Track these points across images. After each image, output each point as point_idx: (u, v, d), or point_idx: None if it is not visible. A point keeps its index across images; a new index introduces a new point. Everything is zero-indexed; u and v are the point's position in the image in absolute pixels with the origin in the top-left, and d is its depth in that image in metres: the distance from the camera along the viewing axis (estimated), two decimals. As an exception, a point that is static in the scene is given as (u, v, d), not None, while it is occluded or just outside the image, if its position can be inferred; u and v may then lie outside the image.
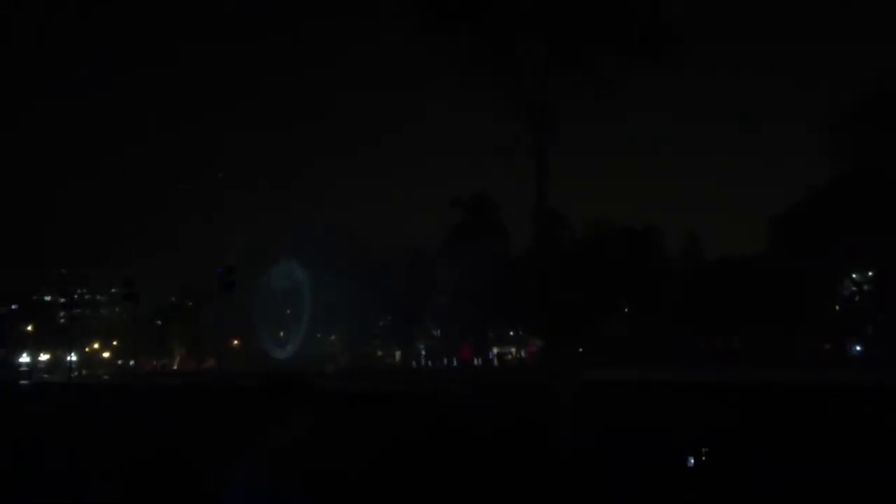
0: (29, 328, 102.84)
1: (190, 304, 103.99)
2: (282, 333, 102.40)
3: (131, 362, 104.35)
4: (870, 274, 60.25)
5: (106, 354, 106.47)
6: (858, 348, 62.35)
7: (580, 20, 22.98)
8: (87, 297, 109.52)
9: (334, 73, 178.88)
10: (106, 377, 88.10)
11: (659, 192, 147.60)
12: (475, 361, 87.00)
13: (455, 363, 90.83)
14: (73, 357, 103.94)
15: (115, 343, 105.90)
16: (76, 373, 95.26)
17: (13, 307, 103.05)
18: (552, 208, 29.35)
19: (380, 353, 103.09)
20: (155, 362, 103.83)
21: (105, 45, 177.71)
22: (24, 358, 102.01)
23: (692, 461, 10.12)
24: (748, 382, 27.06)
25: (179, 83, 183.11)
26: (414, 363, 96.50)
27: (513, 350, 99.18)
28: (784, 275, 56.65)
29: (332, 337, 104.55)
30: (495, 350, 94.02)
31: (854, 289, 61.91)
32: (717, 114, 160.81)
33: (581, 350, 62.04)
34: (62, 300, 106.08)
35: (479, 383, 37.63)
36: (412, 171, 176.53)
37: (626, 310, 69.56)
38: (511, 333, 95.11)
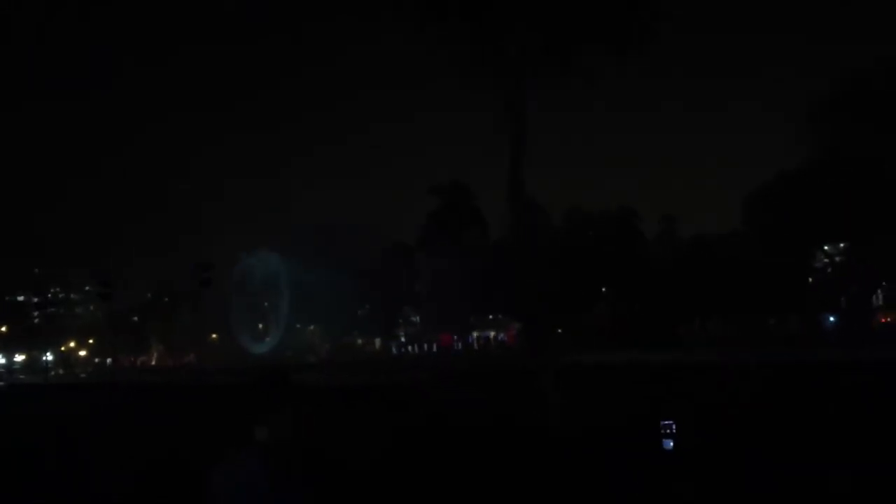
0: (2, 329, 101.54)
1: (166, 300, 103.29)
2: (260, 326, 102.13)
3: (108, 360, 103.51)
4: (841, 245, 61.12)
5: (82, 353, 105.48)
6: (832, 319, 63.35)
7: (558, 9, 23.03)
8: (61, 295, 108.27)
9: (309, 65, 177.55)
10: (83, 376, 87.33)
11: (632, 175, 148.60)
12: (456, 346, 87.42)
13: (435, 349, 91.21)
14: (49, 357, 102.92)
15: (91, 341, 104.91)
16: (53, 372, 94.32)
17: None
18: (530, 194, 29.51)
19: (360, 341, 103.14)
20: (133, 359, 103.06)
21: (101, 45, 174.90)
22: (0, 359, 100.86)
23: (671, 444, 10.01)
24: (727, 363, 27.42)
25: (169, 82, 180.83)
26: (394, 350, 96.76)
27: (492, 334, 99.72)
28: (757, 251, 57.37)
29: (312, 327, 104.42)
30: (475, 334, 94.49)
31: (826, 260, 62.78)
32: (689, 93, 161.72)
33: (560, 333, 62.57)
34: (35, 300, 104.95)
35: (461, 371, 37.77)
36: (390, 162, 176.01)
37: (602, 290, 70.03)
38: (490, 317, 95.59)
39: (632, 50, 23.74)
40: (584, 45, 22.86)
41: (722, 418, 13.49)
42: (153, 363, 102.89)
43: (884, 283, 63.23)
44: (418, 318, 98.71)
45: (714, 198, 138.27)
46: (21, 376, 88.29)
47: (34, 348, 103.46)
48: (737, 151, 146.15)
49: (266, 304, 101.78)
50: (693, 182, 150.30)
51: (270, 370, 4.73)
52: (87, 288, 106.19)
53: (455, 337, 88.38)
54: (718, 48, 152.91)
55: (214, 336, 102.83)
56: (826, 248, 61.91)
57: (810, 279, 63.18)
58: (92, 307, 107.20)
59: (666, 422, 9.91)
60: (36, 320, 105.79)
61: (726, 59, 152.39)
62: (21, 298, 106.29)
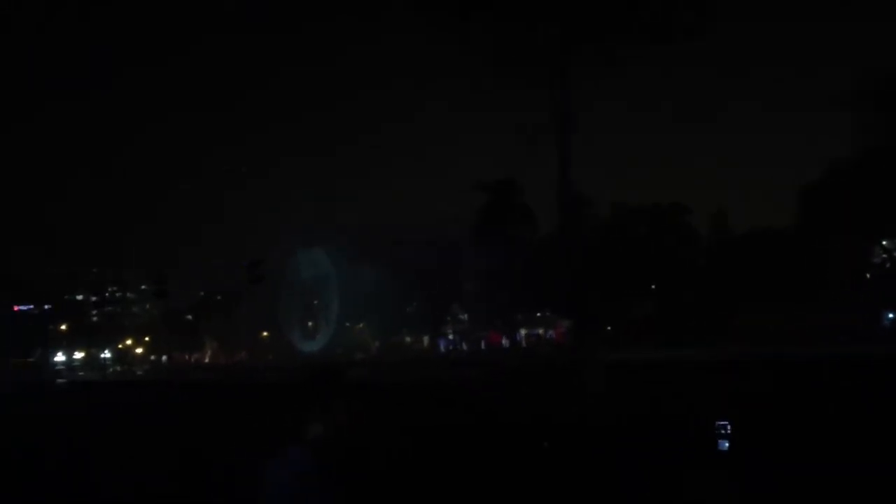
0: (63, 327, 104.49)
1: (219, 297, 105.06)
2: (310, 324, 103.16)
3: (164, 358, 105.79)
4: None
5: (139, 350, 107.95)
6: (891, 316, 61.59)
7: (600, 2, 22.85)
8: (118, 294, 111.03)
9: (349, 61, 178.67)
10: (139, 373, 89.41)
11: (686, 171, 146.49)
12: (503, 343, 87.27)
13: (483, 346, 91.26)
14: (107, 354, 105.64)
15: (147, 339, 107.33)
16: (111, 369, 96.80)
17: (46, 307, 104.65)
18: (577, 190, 29.29)
19: (408, 339, 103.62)
20: (187, 357, 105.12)
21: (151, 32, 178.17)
22: (60, 357, 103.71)
23: (726, 445, 9.73)
24: (784, 358, 26.84)
25: (193, 78, 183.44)
26: (441, 348, 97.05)
27: (540, 331, 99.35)
28: (813, 245, 56.13)
29: (361, 325, 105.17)
30: (523, 332, 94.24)
31: (885, 256, 61.24)
32: (739, 90, 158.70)
33: (609, 329, 61.99)
34: (94, 299, 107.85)
35: (509, 369, 37.73)
36: (435, 156, 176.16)
37: (652, 287, 69.18)
38: (538, 315, 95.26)
39: (676, 41, 23.40)
40: (627, 35, 22.66)
41: (781, 417, 13.14)
42: (206, 360, 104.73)
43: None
44: (466, 315, 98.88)
45: (766, 193, 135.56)
46: (80, 373, 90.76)
47: (93, 346, 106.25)
48: (789, 145, 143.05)
49: (315, 302, 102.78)
50: (745, 177, 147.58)
51: (323, 368, 4.80)
52: (142, 287, 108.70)
53: (504, 335, 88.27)
54: (765, 39, 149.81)
55: (265, 334, 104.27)
56: (884, 242, 60.37)
57: (868, 275, 61.63)
58: (148, 306, 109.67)
59: (721, 422, 9.61)
60: (94, 319, 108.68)
61: (773, 50, 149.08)
62: (80, 298, 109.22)
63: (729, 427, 9.53)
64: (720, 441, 9.57)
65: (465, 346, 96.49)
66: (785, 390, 17.23)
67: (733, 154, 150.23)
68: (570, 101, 23.53)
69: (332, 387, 4.88)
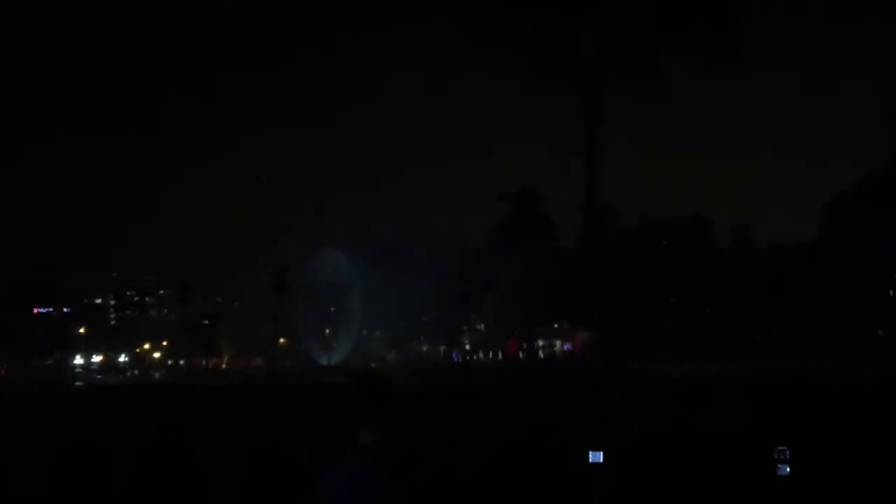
0: (82, 330, 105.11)
1: (236, 304, 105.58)
2: (327, 331, 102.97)
3: (181, 362, 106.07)
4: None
5: (157, 355, 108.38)
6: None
7: (636, 12, 22.67)
8: (136, 298, 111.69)
9: (375, 69, 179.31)
10: (157, 376, 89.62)
11: (708, 184, 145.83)
12: (520, 355, 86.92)
13: (500, 357, 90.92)
14: (125, 358, 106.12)
15: (164, 343, 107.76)
16: (128, 373, 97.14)
17: (66, 310, 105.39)
18: (603, 201, 29.06)
19: (425, 348, 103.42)
20: (205, 362, 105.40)
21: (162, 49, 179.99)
22: (79, 360, 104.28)
23: (787, 470, 9.21)
24: (815, 374, 26.40)
25: (221, 87, 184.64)
26: (455, 357, 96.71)
27: (558, 343, 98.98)
28: (839, 260, 55.62)
29: (377, 333, 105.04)
30: (540, 343, 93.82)
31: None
32: (762, 104, 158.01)
33: (630, 342, 61.55)
34: (113, 302, 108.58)
35: (529, 378, 37.44)
36: (456, 165, 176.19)
37: (672, 300, 68.84)
38: (556, 326, 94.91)
39: (711, 52, 23.17)
40: (662, 45, 22.42)
41: (833, 437, 12.58)
42: (224, 366, 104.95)
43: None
44: (483, 325, 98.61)
45: (790, 206, 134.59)
46: (98, 376, 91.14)
47: (111, 349, 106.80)
48: (814, 158, 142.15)
49: (333, 309, 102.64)
50: (769, 190, 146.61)
51: (368, 376, 4.64)
52: (161, 291, 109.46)
53: (523, 345, 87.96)
54: (792, 52, 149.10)
55: (283, 341, 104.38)
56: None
57: (891, 292, 60.98)
58: (166, 310, 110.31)
59: (781, 447, 9.01)
60: (113, 322, 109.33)
61: (802, 64, 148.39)
62: (99, 301, 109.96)
63: (788, 452, 9.08)
64: (780, 466, 9.06)
65: (480, 356, 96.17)
66: (830, 409, 16.76)
67: (758, 167, 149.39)
68: (601, 112, 23.32)
69: (380, 394, 4.68)
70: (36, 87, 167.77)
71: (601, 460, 10.60)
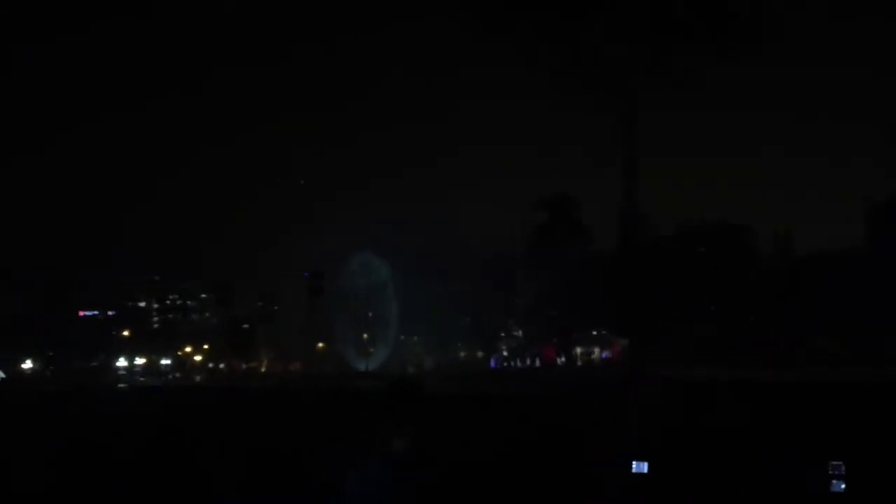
0: (125, 333, 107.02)
1: (276, 308, 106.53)
2: (365, 336, 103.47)
3: (221, 365, 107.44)
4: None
5: (198, 358, 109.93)
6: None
7: (668, 14, 22.59)
8: (178, 302, 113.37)
9: (406, 78, 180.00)
10: (198, 379, 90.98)
11: (750, 188, 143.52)
12: (558, 361, 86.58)
13: (538, 363, 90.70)
14: (167, 361, 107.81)
15: (205, 347, 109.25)
16: (170, 375, 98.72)
17: (110, 313, 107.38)
18: (638, 207, 28.93)
19: (462, 354, 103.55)
20: (244, 365, 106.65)
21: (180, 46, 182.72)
22: (122, 362, 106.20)
23: (842, 486, 8.83)
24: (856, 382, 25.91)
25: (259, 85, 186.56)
26: (493, 364, 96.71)
27: (596, 350, 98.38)
28: (885, 265, 54.58)
29: (415, 338, 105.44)
30: (578, 350, 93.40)
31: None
32: (803, 105, 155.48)
33: (670, 349, 61.02)
34: (156, 306, 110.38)
35: (568, 385, 37.37)
36: (494, 173, 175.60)
37: (711, 308, 68.10)
38: (594, 333, 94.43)
39: (740, 52, 22.95)
40: (691, 46, 22.29)
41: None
42: (263, 370, 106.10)
43: None
44: (520, 332, 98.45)
45: (832, 210, 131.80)
46: (141, 378, 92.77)
47: (153, 352, 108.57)
48: (857, 162, 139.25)
49: (371, 314, 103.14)
50: (810, 194, 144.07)
51: (400, 381, 4.74)
52: (202, 295, 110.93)
53: (560, 352, 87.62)
54: (833, 48, 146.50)
55: (321, 345, 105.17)
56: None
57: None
58: (206, 314, 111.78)
59: (836, 462, 8.75)
60: (155, 325, 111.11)
61: (838, 60, 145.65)
62: (142, 304, 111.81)
63: (843, 467, 8.70)
64: (834, 482, 8.75)
65: (518, 363, 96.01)
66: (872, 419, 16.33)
67: (800, 173, 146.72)
68: (636, 118, 23.29)
69: (412, 399, 4.79)
70: (51, 86, 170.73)
71: (645, 470, 10.58)
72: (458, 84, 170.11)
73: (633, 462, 10.38)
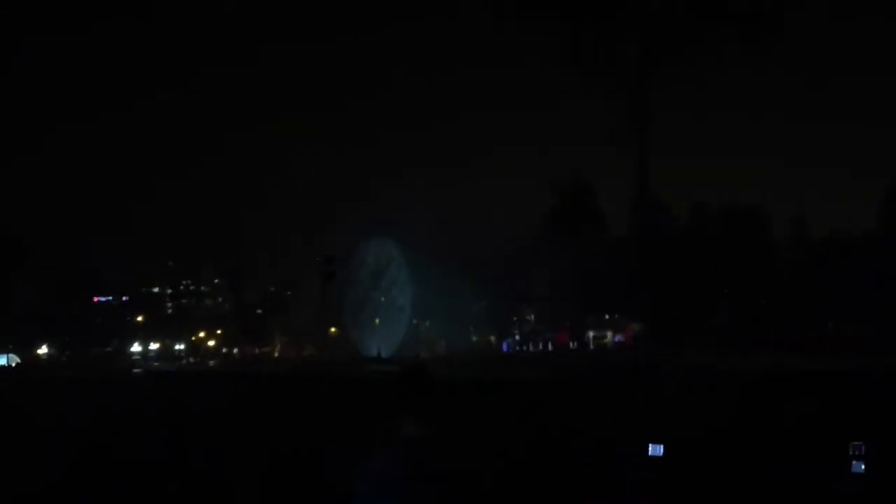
0: (139, 319, 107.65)
1: (289, 293, 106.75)
2: (377, 321, 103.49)
3: (235, 350, 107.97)
4: None
5: (211, 343, 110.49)
6: None
7: (680, 6, 22.35)
8: (192, 287, 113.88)
9: (425, 59, 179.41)
10: (212, 363, 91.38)
11: (763, 173, 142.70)
12: (571, 346, 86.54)
13: (550, 348, 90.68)
14: (181, 346, 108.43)
15: (219, 332, 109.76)
16: (184, 361, 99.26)
17: (124, 299, 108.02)
18: (652, 193, 28.66)
19: (475, 338, 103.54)
20: (257, 350, 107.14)
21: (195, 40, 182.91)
22: (136, 347, 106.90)
23: (862, 467, 8.69)
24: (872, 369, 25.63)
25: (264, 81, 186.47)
26: (505, 348, 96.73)
27: (609, 334, 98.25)
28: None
29: (427, 323, 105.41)
30: (591, 334, 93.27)
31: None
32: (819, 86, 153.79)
33: (683, 334, 60.74)
34: (169, 291, 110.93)
35: (581, 369, 37.22)
36: (503, 156, 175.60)
37: (725, 292, 67.66)
38: (606, 317, 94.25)
39: (758, 39, 22.67)
40: (709, 32, 22.02)
41: None
42: (276, 355, 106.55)
43: None
44: (533, 316, 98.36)
45: (847, 194, 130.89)
46: (155, 363, 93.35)
47: (167, 337, 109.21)
48: (873, 145, 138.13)
49: (383, 299, 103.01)
50: (826, 178, 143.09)
51: (411, 368, 4.62)
52: (216, 281, 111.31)
53: (571, 336, 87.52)
54: (848, 37, 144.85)
55: (334, 330, 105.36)
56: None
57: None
58: (220, 299, 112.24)
59: (856, 442, 8.62)
60: (169, 311, 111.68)
61: (855, 48, 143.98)
62: (156, 290, 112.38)
63: (863, 447, 8.55)
64: (855, 462, 8.64)
65: (530, 347, 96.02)
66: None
67: (813, 152, 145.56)
68: (648, 105, 23.05)
69: (424, 385, 4.66)
70: (60, 82, 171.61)
71: (660, 453, 10.48)
72: (485, 75, 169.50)
73: (650, 445, 10.29)
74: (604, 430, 13.70)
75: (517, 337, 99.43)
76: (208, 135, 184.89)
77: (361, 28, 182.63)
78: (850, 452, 8.60)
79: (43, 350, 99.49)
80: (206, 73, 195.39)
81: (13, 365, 75.87)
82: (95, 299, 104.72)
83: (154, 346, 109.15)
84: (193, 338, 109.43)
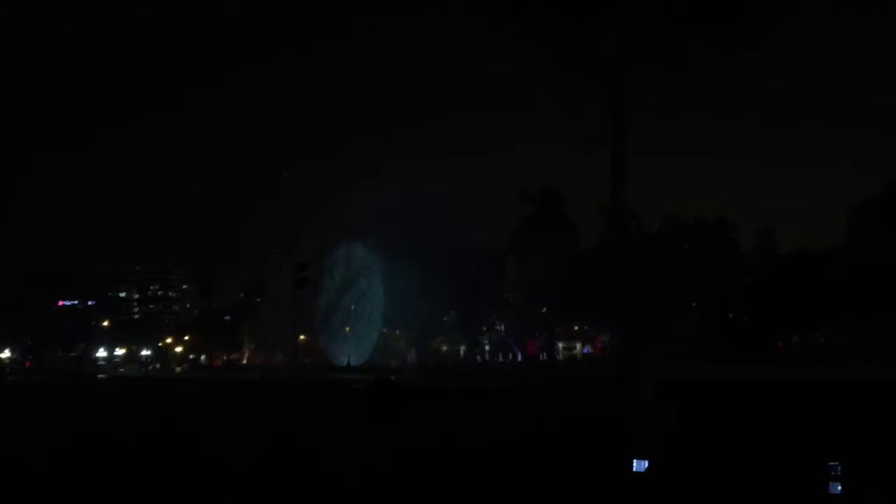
0: (105, 323, 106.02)
1: (258, 300, 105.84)
2: (347, 329, 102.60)
3: (202, 357, 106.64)
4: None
5: (178, 349, 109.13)
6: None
7: (661, 6, 22.45)
8: (160, 293, 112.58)
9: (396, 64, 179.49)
10: (178, 370, 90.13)
11: (729, 184, 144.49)
12: (541, 356, 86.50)
13: (520, 358, 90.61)
14: (148, 351, 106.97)
15: (186, 338, 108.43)
16: (150, 367, 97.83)
17: (91, 303, 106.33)
18: (626, 203, 28.71)
19: (444, 348, 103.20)
20: (225, 357, 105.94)
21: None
22: (102, 352, 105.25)
23: (839, 489, 8.46)
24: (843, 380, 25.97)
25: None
26: (479, 358, 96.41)
27: (578, 345, 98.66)
28: (866, 265, 54.81)
29: (397, 332, 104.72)
30: (561, 345, 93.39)
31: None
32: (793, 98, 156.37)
33: (651, 345, 61.00)
34: (136, 296, 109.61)
35: (548, 380, 37.35)
36: (476, 163, 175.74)
37: (693, 304, 68.21)
38: (576, 329, 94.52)
39: (736, 45, 22.89)
40: (686, 38, 22.17)
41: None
42: (244, 362, 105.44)
43: None
44: (503, 326, 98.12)
45: (814, 208, 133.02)
46: (121, 369, 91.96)
47: (134, 343, 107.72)
48: (837, 161, 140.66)
49: (353, 307, 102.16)
50: (793, 191, 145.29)
51: (381, 382, 4.65)
52: (184, 286, 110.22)
53: (541, 347, 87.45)
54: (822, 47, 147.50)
55: (303, 337, 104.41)
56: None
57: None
58: (188, 305, 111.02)
59: (832, 462, 8.39)
60: (136, 316, 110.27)
61: (828, 60, 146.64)
62: (123, 294, 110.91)
63: (840, 468, 8.36)
64: (832, 484, 8.41)
65: (500, 358, 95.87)
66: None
67: (781, 165, 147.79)
68: (625, 115, 23.19)
69: (393, 395, 4.69)
70: (57, 88, 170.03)
71: (644, 469, 10.33)
72: (462, 75, 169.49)
73: (634, 460, 10.20)
74: (573, 443, 13.77)
75: (486, 347, 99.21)
76: (183, 139, 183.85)
77: (333, 39, 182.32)
78: (829, 473, 8.43)
79: (6, 354, 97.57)
80: (180, 82, 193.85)
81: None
82: (61, 303, 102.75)
83: (120, 351, 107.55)
84: (161, 343, 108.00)
